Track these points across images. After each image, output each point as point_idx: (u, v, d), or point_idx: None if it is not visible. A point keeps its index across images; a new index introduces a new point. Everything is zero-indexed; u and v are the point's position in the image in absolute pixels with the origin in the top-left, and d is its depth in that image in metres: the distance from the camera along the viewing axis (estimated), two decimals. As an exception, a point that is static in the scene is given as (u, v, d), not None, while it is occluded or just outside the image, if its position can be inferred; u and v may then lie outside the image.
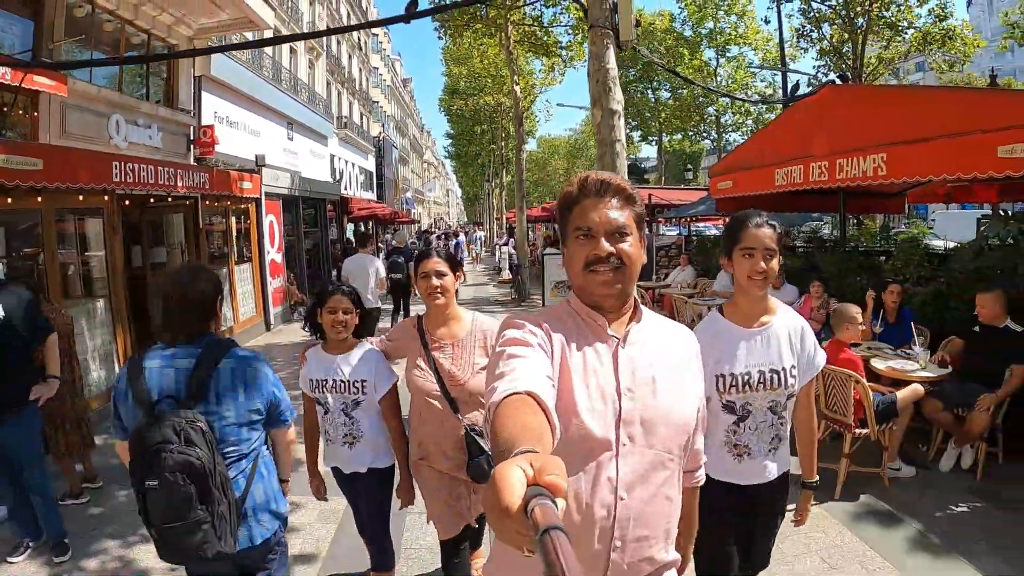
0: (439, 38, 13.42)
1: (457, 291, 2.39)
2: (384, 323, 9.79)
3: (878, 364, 4.27)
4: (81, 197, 5.55)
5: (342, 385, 2.46)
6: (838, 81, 7.43)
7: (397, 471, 2.61)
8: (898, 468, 4.00)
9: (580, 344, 1.23)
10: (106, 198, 5.80)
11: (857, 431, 3.81)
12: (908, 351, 4.36)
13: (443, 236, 26.21)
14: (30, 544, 3.40)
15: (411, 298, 10.04)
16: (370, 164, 30.75)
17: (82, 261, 6.68)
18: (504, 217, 26.33)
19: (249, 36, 14.40)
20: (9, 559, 3.30)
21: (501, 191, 25.82)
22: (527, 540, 0.61)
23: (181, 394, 1.82)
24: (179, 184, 6.30)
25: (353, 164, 26.47)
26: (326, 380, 2.48)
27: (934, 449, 4.25)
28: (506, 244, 18.30)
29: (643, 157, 42.60)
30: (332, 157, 22.54)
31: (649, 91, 24.90)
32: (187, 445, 1.70)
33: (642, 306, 1.31)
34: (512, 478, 0.65)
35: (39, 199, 4.92)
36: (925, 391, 4.00)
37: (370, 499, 2.59)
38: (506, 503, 0.63)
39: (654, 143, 27.24)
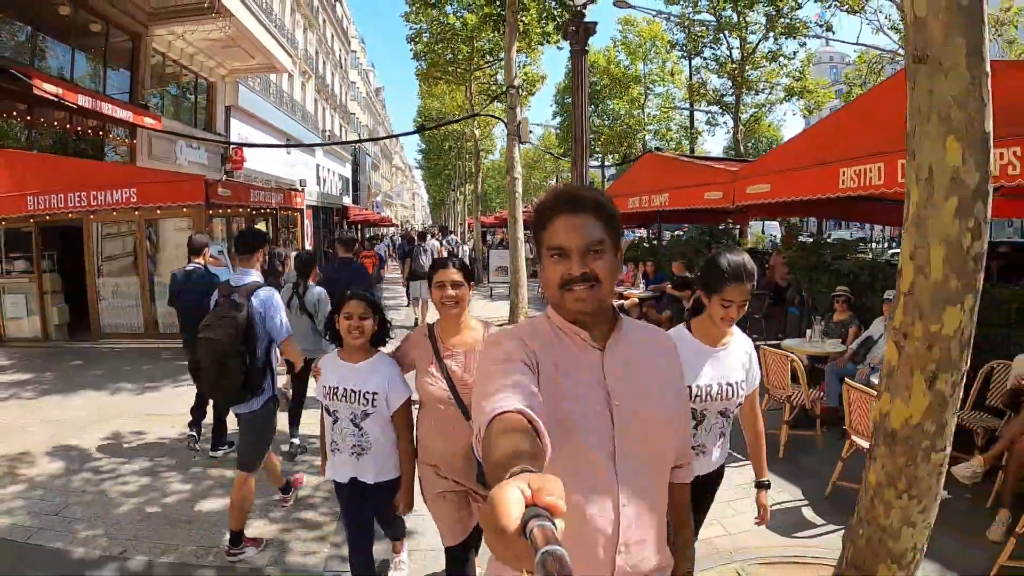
0: (419, 83, 17.25)
1: (469, 300, 2.40)
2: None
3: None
4: (240, 210, 9.30)
5: (353, 395, 2.42)
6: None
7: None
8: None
9: (564, 358, 1.22)
10: (249, 211, 9.60)
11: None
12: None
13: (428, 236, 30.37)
14: None
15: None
16: (347, 171, 34.10)
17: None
18: (466, 222, 30.25)
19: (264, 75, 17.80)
20: None
21: (465, 200, 29.67)
22: (526, 561, 0.61)
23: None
24: (273, 201, 10.02)
25: (334, 172, 29.81)
26: (337, 388, 2.44)
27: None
28: (466, 244, 22.60)
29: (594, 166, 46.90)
30: (318, 167, 25.88)
31: (595, 116, 29.11)
32: None
33: (622, 315, 1.32)
34: (510, 499, 0.65)
35: (228, 211, 8.59)
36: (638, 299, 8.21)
37: (364, 509, 2.56)
38: (504, 524, 0.63)
39: (597, 159, 31.47)
